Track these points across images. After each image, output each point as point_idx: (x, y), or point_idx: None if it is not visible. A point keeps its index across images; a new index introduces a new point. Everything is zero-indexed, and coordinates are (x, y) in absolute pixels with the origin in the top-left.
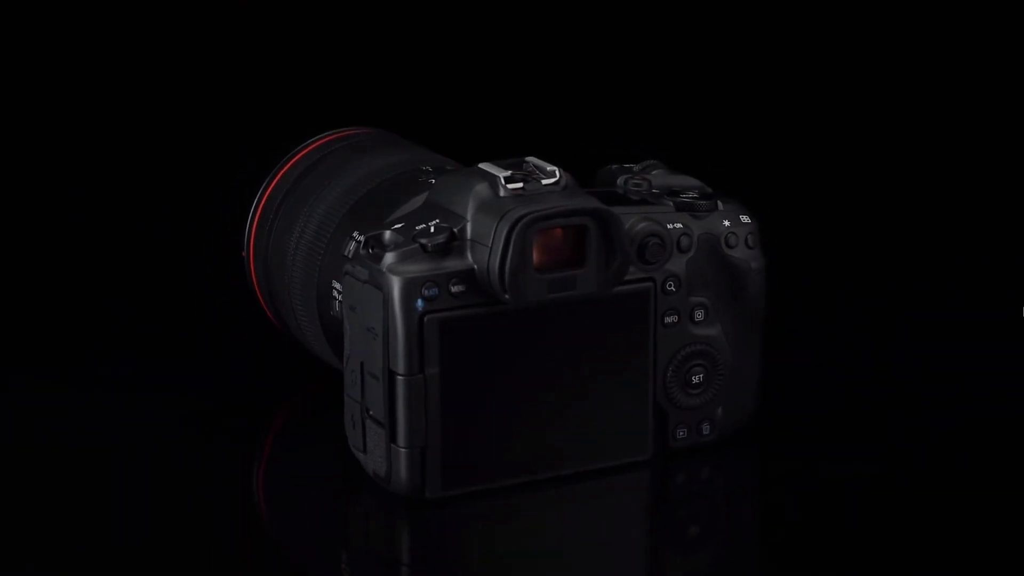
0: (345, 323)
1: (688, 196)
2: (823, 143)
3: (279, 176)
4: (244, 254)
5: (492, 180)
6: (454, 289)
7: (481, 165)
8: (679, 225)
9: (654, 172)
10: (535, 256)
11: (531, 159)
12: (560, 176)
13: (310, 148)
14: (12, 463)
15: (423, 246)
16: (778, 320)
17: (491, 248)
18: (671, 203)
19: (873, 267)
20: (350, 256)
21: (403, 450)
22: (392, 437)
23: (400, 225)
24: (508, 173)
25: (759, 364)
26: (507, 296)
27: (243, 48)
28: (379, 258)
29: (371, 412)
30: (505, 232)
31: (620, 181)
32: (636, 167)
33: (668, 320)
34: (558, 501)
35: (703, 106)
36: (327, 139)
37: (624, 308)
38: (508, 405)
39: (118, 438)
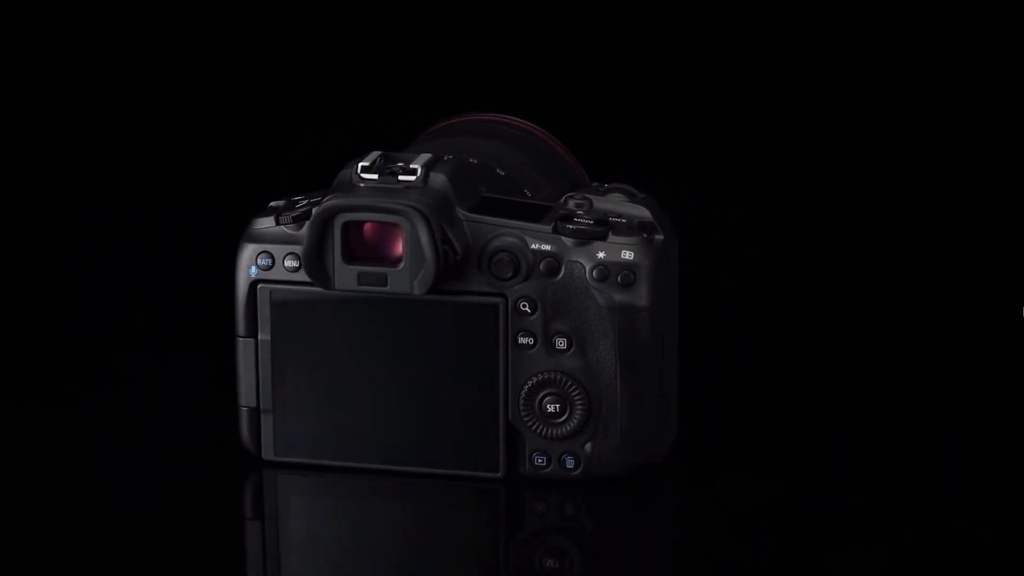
0: None
1: (582, 222)
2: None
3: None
4: None
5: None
6: (287, 264)
7: (373, 152)
8: (546, 247)
9: (610, 195)
10: (347, 247)
11: (426, 155)
12: (420, 175)
13: (467, 120)
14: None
15: (276, 218)
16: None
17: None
18: (551, 225)
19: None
20: None
21: (241, 408)
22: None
23: (302, 197)
24: (368, 163)
25: (651, 410)
26: (309, 279)
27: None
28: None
29: None
30: (314, 217)
31: (562, 199)
32: (603, 187)
33: (522, 341)
34: (390, 494)
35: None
36: (494, 119)
37: (471, 319)
38: (345, 389)
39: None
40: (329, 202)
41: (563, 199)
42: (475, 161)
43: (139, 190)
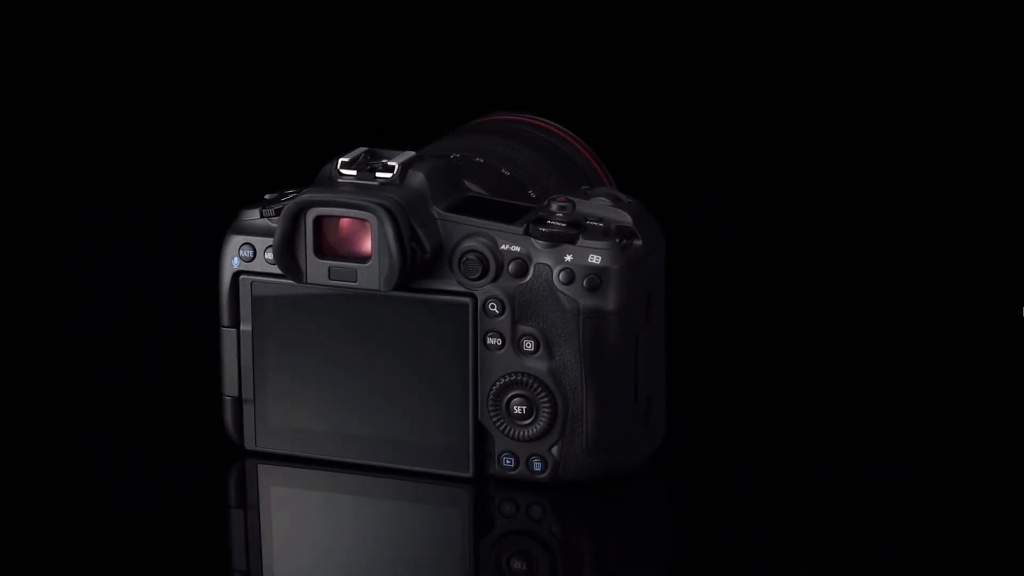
0: None
1: (554, 224)
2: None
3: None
4: None
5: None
6: (268, 256)
7: (358, 148)
8: (516, 248)
9: (595, 199)
10: (319, 241)
11: (408, 153)
12: (396, 172)
13: (489, 119)
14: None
15: (260, 210)
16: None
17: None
18: (523, 226)
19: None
20: None
21: (225, 397)
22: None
23: (293, 190)
24: (349, 159)
25: (621, 416)
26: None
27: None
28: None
29: None
30: (284, 211)
31: (545, 201)
32: (590, 190)
33: (491, 342)
34: (362, 490)
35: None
36: (520, 119)
37: (442, 318)
38: (320, 383)
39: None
40: (300, 197)
41: (546, 201)
42: (481, 160)
43: (139, 190)
